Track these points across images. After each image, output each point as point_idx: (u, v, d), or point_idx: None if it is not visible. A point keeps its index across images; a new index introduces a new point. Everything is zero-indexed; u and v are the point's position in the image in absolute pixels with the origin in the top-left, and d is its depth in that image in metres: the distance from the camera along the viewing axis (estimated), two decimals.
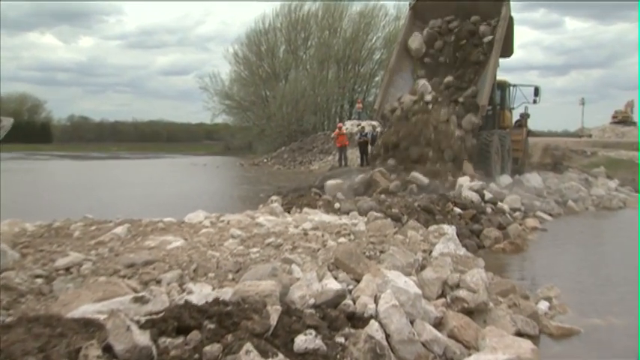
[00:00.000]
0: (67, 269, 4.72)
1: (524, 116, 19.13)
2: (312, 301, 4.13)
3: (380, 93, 16.61)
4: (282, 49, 48.80)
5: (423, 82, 15.58)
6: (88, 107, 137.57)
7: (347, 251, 5.16)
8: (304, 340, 3.43)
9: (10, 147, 41.40)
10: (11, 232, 6.22)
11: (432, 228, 7.63)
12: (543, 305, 5.67)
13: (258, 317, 3.52)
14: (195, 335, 3.26)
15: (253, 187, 19.14)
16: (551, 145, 25.06)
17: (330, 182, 12.95)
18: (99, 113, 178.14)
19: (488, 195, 11.52)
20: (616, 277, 7.28)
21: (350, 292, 4.46)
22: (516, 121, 18.99)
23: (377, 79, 45.51)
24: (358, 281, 4.67)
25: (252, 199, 14.40)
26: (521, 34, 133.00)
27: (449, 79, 15.66)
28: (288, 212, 9.02)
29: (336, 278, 4.63)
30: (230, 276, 4.77)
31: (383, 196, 11.30)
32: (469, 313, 4.83)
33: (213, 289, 4.38)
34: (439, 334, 4.23)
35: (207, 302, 3.76)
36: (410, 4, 17.08)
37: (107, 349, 2.96)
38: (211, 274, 4.75)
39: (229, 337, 3.26)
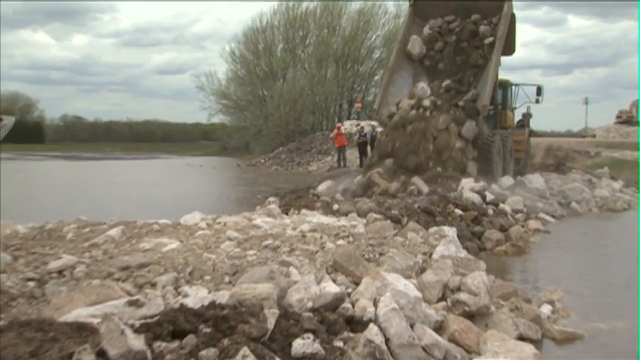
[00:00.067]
0: (60, 272, 4.71)
1: (527, 116, 19.15)
2: (310, 304, 4.14)
3: (379, 92, 16.59)
4: (280, 47, 48.89)
5: (421, 85, 15.52)
6: (82, 107, 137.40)
7: (346, 254, 5.17)
8: (302, 345, 3.43)
9: (1, 147, 41.34)
10: (2, 235, 6.21)
11: (432, 230, 7.64)
12: (546, 309, 5.67)
13: (255, 321, 3.52)
14: (190, 339, 3.26)
15: (250, 189, 19.15)
16: (554, 146, 25.17)
17: (321, 186, 12.91)
18: (92, 113, 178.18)
19: (489, 196, 11.53)
20: (620, 280, 7.27)
21: (349, 295, 4.47)
22: (518, 121, 19.01)
23: (376, 78, 45.58)
24: (357, 284, 4.67)
25: (249, 201, 14.42)
26: (524, 32, 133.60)
27: (448, 82, 15.63)
28: (286, 214, 9.03)
29: (334, 281, 4.63)
30: (226, 279, 4.77)
31: (383, 197, 11.31)
32: (470, 316, 4.83)
33: (209, 292, 4.37)
34: (440, 338, 4.23)
35: (203, 306, 3.76)
36: (410, 2, 17.08)
37: (101, 353, 2.96)
38: (207, 277, 4.75)
39: (225, 342, 3.26)
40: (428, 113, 14.48)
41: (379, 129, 24.72)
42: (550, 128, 60.86)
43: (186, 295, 4.19)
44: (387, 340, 3.92)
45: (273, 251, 5.67)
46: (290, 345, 3.45)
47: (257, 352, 3.20)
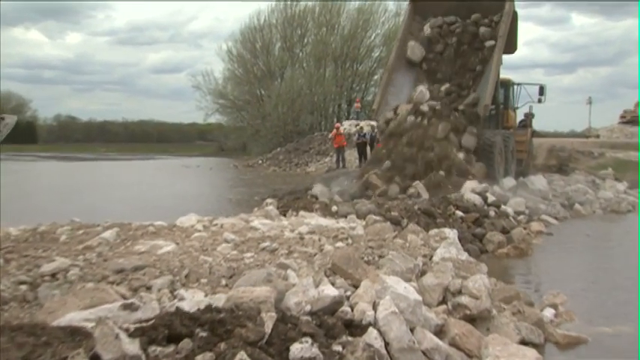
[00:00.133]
0: (53, 275, 4.70)
1: (529, 116, 19.16)
2: (308, 307, 4.14)
3: (379, 92, 16.60)
4: (278, 46, 48.89)
5: (420, 88, 15.48)
6: (76, 106, 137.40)
7: (345, 256, 5.16)
8: (300, 349, 3.43)
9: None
10: None
11: (432, 232, 7.64)
12: (549, 312, 5.68)
13: (252, 325, 3.52)
14: (186, 344, 3.26)
15: (248, 190, 19.16)
16: (556, 146, 25.18)
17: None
18: (87, 113, 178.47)
19: (491, 198, 11.54)
20: (625, 283, 7.27)
21: (348, 298, 4.46)
22: (520, 121, 19.03)
23: (376, 77, 45.62)
24: (356, 287, 4.67)
25: (246, 202, 14.42)
26: (526, 31, 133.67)
27: (448, 85, 15.62)
28: (284, 215, 9.04)
29: (333, 284, 4.63)
30: (223, 282, 4.77)
31: (382, 198, 11.31)
32: (471, 320, 4.84)
33: (206, 295, 4.38)
34: (440, 343, 4.23)
35: (199, 309, 3.76)
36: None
37: (95, 358, 2.95)
38: (204, 280, 4.75)
39: (222, 346, 3.26)
40: (426, 122, 14.22)
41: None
42: (553, 128, 60.95)
43: (182, 299, 4.18)
44: (386, 345, 3.92)
45: (271, 254, 5.68)
46: (288, 349, 3.44)
47: (254, 356, 3.20)
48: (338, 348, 3.69)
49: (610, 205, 15.02)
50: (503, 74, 16.88)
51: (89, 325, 3.30)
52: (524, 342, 4.73)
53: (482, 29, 15.99)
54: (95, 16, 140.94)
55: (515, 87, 18.14)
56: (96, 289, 4.17)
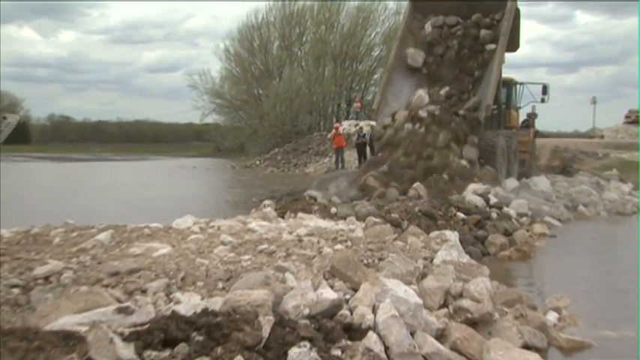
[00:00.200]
0: (46, 278, 4.70)
1: (532, 116, 19.21)
2: (306, 311, 4.14)
3: (378, 92, 16.62)
4: (276, 44, 48.90)
5: (419, 92, 15.48)
6: (70, 106, 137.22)
7: (344, 259, 5.17)
8: (298, 353, 3.44)
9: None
10: None
11: (433, 234, 7.65)
12: (552, 316, 5.68)
13: (250, 328, 3.52)
14: (182, 348, 3.26)
15: (245, 191, 19.15)
16: (560, 147, 25.22)
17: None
18: (81, 112, 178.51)
19: (493, 199, 11.55)
20: (630, 286, 7.27)
21: (347, 301, 4.47)
22: (523, 121, 19.07)
23: (376, 76, 45.65)
24: (356, 290, 4.67)
25: (244, 204, 14.43)
26: (529, 29, 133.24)
27: (448, 88, 15.60)
28: (282, 217, 9.04)
29: (332, 287, 4.63)
30: (220, 285, 4.77)
31: (382, 200, 11.31)
32: (473, 324, 4.84)
33: (202, 298, 4.37)
34: (441, 347, 4.24)
35: (195, 313, 3.76)
36: None
37: None
38: (200, 283, 4.75)
39: (219, 350, 3.26)
40: (423, 129, 14.10)
41: None
42: (556, 128, 61.02)
43: (178, 302, 4.18)
44: (386, 349, 3.92)
45: (269, 256, 5.68)
46: (286, 354, 3.45)
47: None
48: (337, 352, 3.69)
49: (615, 207, 15.03)
50: (506, 73, 16.92)
51: (83, 329, 3.30)
52: (526, 346, 4.74)
53: (483, 32, 16.01)
54: (89, 14, 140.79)
55: (518, 86, 18.17)
56: (90, 292, 4.17)
